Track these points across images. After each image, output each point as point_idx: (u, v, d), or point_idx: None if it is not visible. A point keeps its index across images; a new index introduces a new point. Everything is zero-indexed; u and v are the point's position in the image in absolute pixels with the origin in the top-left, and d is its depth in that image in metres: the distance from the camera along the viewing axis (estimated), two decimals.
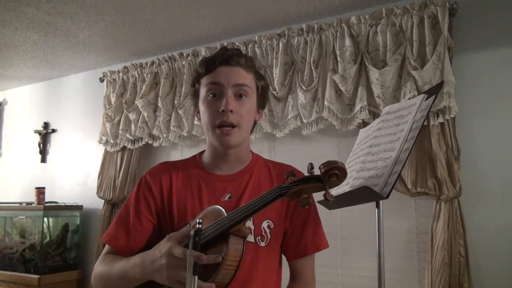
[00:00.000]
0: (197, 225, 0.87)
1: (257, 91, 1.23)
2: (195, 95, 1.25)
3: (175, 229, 1.14)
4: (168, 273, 0.94)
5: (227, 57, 1.17)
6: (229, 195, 1.19)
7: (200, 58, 2.91)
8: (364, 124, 2.27)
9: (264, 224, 1.17)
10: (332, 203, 1.20)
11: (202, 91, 1.20)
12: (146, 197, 1.20)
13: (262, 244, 1.16)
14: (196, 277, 0.81)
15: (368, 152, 1.21)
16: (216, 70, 1.17)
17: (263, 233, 1.16)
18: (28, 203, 3.44)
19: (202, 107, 1.20)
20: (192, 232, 0.85)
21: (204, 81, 1.20)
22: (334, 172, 0.88)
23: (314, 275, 1.29)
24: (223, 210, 1.04)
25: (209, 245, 0.98)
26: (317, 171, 0.92)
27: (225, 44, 2.81)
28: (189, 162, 1.28)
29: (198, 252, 0.87)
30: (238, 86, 1.16)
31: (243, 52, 1.27)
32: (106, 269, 1.13)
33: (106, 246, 1.21)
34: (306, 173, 0.97)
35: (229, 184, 1.20)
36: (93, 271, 1.18)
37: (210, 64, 1.19)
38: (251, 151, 1.30)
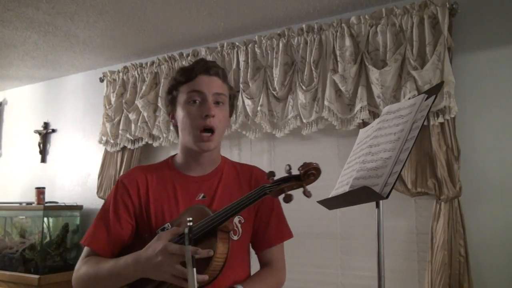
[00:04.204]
0: (188, 223, 0.98)
1: (229, 100, 1.35)
2: (172, 101, 1.34)
3: (153, 229, 1.23)
4: (165, 269, 1.03)
5: (207, 67, 1.28)
6: (202, 194, 1.29)
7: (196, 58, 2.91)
8: (364, 124, 2.27)
9: (236, 220, 1.28)
10: (333, 203, 1.22)
11: (182, 98, 1.29)
12: (125, 200, 1.27)
13: (235, 238, 1.27)
14: (195, 268, 0.92)
15: (368, 152, 1.21)
16: (197, 79, 1.27)
17: (235, 228, 1.28)
18: (28, 203, 3.44)
19: (182, 112, 1.28)
20: (186, 230, 0.97)
21: (184, 88, 1.29)
22: (311, 172, 1.04)
23: (283, 262, 1.39)
24: (207, 209, 1.14)
25: (198, 241, 1.07)
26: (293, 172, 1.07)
27: (225, 44, 2.81)
28: (162, 165, 1.37)
29: (195, 247, 0.98)
30: (217, 95, 1.27)
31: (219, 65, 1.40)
32: (93, 270, 1.17)
33: (86, 249, 1.26)
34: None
35: (202, 185, 1.30)
36: (75, 273, 1.21)
37: (191, 73, 1.28)
38: (220, 153, 1.40)
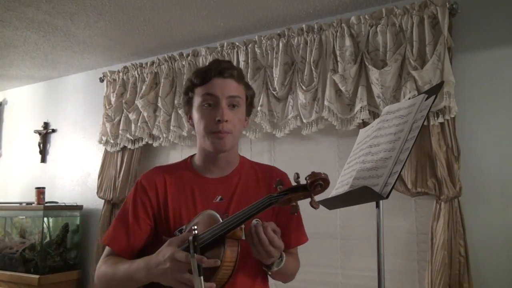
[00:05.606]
0: (193, 231, 0.98)
1: (246, 100, 1.32)
2: (188, 102, 1.33)
3: (171, 231, 1.23)
4: (173, 276, 1.04)
5: (221, 70, 1.26)
6: (220, 197, 1.28)
7: (201, 57, 2.91)
8: (364, 124, 2.27)
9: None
10: (333, 203, 1.22)
11: (197, 100, 1.28)
12: (143, 201, 1.28)
13: None
14: (202, 277, 0.92)
15: (368, 152, 1.21)
16: (211, 82, 1.25)
17: None
18: (28, 203, 3.44)
19: (197, 115, 1.28)
20: (190, 238, 0.97)
21: (198, 91, 1.28)
22: (319, 182, 1.00)
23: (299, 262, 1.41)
24: (218, 215, 1.13)
25: (207, 248, 1.07)
26: (302, 181, 1.03)
27: (225, 44, 2.81)
28: (180, 165, 1.37)
29: (200, 256, 0.98)
30: (232, 98, 1.25)
31: (234, 65, 1.39)
32: (110, 271, 1.20)
33: (107, 248, 1.28)
34: (290, 178, 1.08)
35: (220, 187, 1.30)
36: (96, 272, 1.25)
37: (205, 76, 1.26)
38: (238, 154, 1.39)
